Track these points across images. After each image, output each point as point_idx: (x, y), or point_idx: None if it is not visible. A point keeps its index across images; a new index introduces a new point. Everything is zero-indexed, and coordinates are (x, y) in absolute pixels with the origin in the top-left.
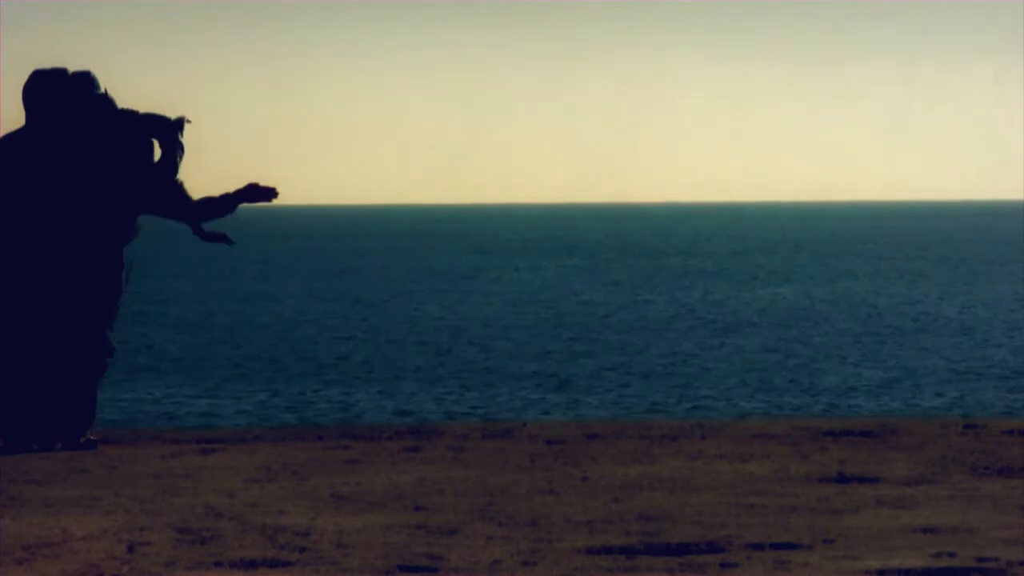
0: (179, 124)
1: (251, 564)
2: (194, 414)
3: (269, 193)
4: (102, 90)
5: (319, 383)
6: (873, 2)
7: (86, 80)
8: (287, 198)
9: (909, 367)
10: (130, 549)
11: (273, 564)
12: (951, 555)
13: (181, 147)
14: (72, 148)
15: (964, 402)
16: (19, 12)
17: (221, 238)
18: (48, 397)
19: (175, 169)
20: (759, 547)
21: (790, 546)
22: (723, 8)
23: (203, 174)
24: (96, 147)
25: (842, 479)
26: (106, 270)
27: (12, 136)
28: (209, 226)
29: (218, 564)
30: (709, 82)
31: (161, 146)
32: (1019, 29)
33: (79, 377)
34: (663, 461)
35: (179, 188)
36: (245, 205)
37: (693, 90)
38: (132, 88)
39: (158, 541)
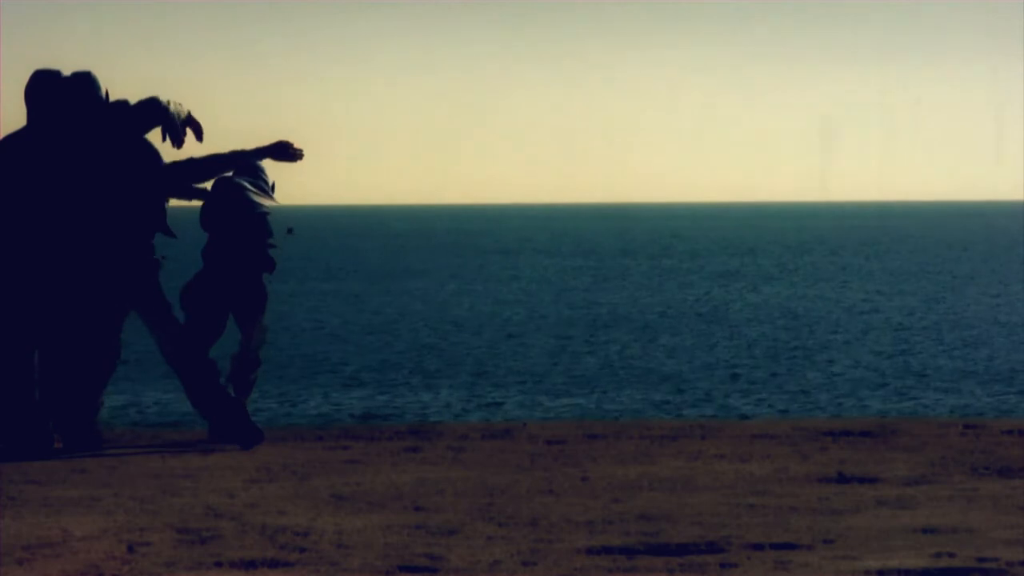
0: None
1: (251, 564)
2: (194, 414)
3: (296, 155)
4: (103, 90)
5: (318, 383)
6: (873, 2)
7: (87, 80)
8: (286, 198)
9: (908, 367)
10: (130, 549)
11: (273, 564)
12: (951, 555)
13: (182, 122)
14: (75, 148)
15: (964, 402)
16: (19, 12)
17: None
18: (49, 397)
19: (180, 141)
20: (759, 547)
21: (790, 546)
22: (724, 9)
23: None
24: (98, 147)
25: (842, 479)
26: (110, 269)
27: (14, 136)
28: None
29: (218, 564)
30: (709, 82)
31: (165, 128)
32: (1019, 28)
33: (80, 377)
34: (663, 461)
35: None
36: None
37: (693, 90)
38: (132, 88)
39: (158, 541)
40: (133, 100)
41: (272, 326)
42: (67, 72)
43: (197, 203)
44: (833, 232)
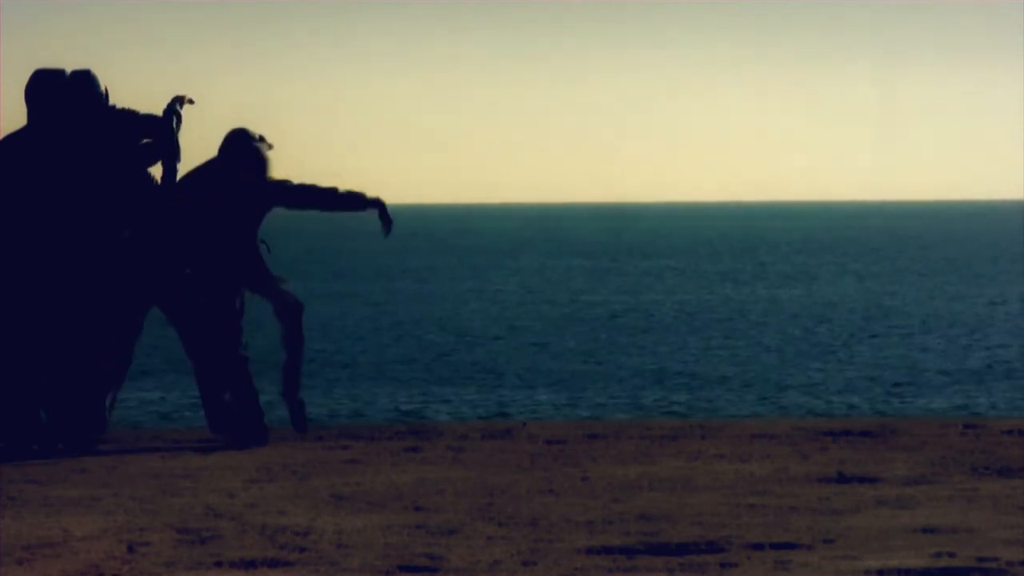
0: (170, 111)
1: (251, 564)
2: (194, 414)
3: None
4: (102, 89)
5: (319, 383)
6: (872, 1)
7: (87, 79)
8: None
9: (909, 367)
10: (130, 549)
11: (273, 564)
12: (951, 555)
13: (174, 137)
14: (74, 148)
15: (964, 402)
16: (19, 12)
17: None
18: (48, 398)
19: (174, 161)
20: (759, 547)
21: (790, 546)
22: (723, 9)
23: None
24: (98, 147)
25: (842, 479)
26: (109, 270)
27: (14, 136)
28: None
29: (218, 564)
30: (708, 82)
31: (156, 144)
32: (1019, 28)
33: (80, 378)
34: (663, 461)
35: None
36: None
37: (693, 90)
38: (132, 88)
39: (158, 541)
40: (132, 100)
41: (272, 325)
42: (67, 71)
43: None
44: (832, 232)
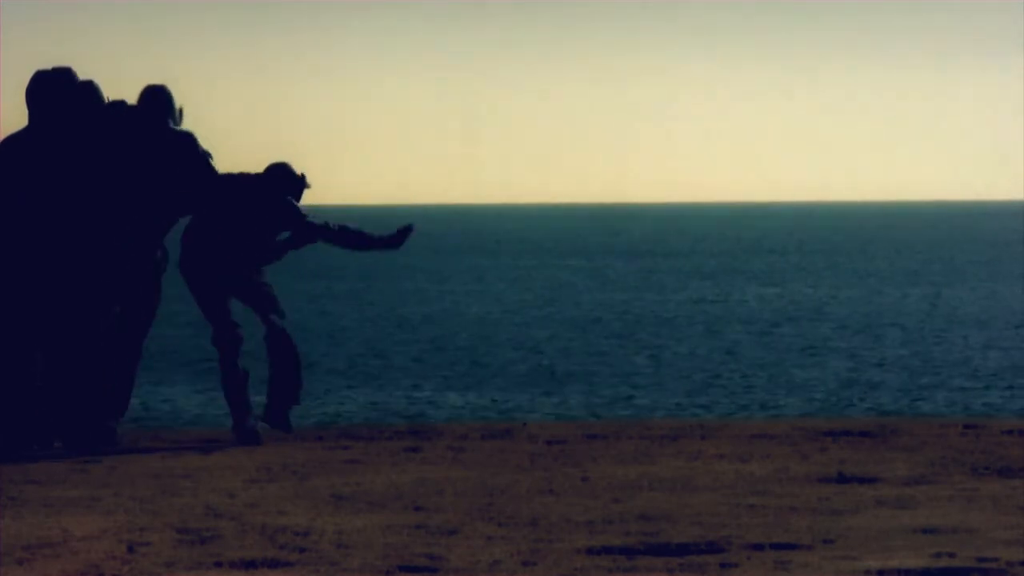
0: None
1: (251, 564)
2: (194, 414)
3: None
4: (105, 99)
5: (319, 383)
6: (870, 1)
7: (89, 88)
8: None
9: (909, 367)
10: (130, 549)
11: (273, 564)
12: (951, 555)
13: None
14: (74, 149)
15: (964, 402)
16: (19, 12)
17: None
18: (47, 396)
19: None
20: (759, 547)
21: (790, 546)
22: (722, 9)
23: None
24: (97, 148)
25: (842, 479)
26: (105, 270)
27: (15, 137)
28: None
29: (218, 564)
30: (708, 82)
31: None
32: (1019, 28)
33: (77, 376)
34: (663, 461)
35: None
36: None
37: (692, 90)
38: (131, 88)
39: (158, 541)
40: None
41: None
42: (69, 73)
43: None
44: (831, 232)
